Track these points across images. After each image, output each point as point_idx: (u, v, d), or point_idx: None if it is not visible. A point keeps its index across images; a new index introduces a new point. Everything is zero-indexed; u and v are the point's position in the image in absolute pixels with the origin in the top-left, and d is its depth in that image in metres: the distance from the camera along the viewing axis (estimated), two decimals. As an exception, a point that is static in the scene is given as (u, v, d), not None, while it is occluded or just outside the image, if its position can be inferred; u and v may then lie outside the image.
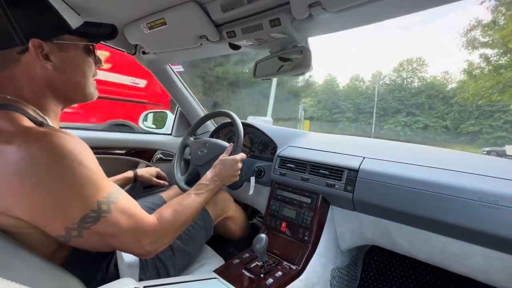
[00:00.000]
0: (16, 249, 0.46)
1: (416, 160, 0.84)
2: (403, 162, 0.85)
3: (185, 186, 1.10)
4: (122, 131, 1.44)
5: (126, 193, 0.59)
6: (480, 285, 0.81)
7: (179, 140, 1.43)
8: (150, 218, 0.60)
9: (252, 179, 1.11)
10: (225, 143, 1.12)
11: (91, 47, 0.65)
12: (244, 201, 1.27)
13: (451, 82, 24.58)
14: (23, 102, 0.55)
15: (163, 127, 1.63)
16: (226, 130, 1.46)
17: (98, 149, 1.27)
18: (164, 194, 1.18)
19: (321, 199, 0.94)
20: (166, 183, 1.29)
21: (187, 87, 1.48)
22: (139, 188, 1.45)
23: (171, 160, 1.53)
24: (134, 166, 1.44)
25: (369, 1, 0.58)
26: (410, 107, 24.05)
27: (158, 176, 1.27)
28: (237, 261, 0.84)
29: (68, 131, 0.53)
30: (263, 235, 0.75)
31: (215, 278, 0.74)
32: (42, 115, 0.58)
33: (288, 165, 1.05)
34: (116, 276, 0.66)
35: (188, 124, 1.61)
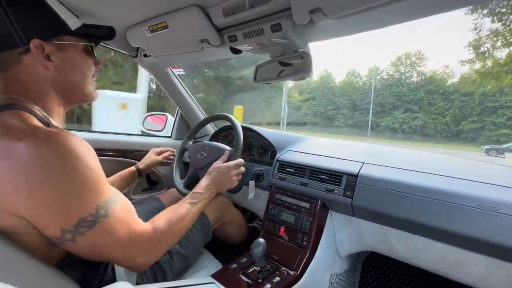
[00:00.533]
0: (13, 251, 0.46)
1: (416, 166, 0.84)
2: (402, 168, 0.85)
3: (184, 190, 1.10)
4: (122, 133, 1.44)
5: (125, 199, 0.59)
6: None
7: (178, 142, 1.43)
8: (145, 227, 0.59)
9: (252, 183, 1.11)
10: (225, 146, 1.12)
11: (90, 48, 0.65)
12: (242, 205, 1.27)
13: (451, 77, 23.43)
14: (29, 102, 0.56)
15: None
16: (226, 134, 1.46)
17: (98, 150, 1.26)
18: (163, 198, 1.17)
19: (320, 204, 0.93)
20: (171, 156, 1.27)
21: (188, 90, 1.49)
22: (139, 191, 1.45)
23: (170, 163, 1.53)
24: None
25: (369, 8, 0.59)
26: (409, 103, 23.03)
27: (160, 154, 1.26)
28: (234, 265, 0.84)
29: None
30: (261, 240, 0.75)
31: (212, 282, 0.74)
32: (46, 115, 0.58)
33: (287, 169, 1.05)
34: (114, 280, 0.65)
35: (188, 127, 1.61)
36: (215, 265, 0.92)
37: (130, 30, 0.90)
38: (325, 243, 0.92)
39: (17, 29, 0.52)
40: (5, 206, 0.46)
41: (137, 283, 0.70)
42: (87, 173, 0.49)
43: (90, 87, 0.67)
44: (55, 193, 0.46)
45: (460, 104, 20.90)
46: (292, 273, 0.83)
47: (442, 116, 21.61)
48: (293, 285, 0.80)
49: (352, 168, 0.90)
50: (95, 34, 0.67)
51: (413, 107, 22.74)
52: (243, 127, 1.18)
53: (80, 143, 0.51)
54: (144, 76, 6.13)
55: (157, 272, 0.74)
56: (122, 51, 1.15)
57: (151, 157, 1.22)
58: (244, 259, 0.87)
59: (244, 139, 1.15)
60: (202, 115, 1.58)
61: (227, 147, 1.12)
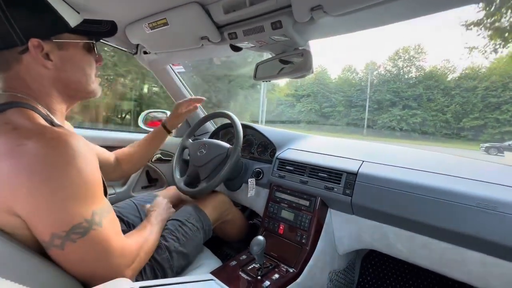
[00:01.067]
0: (14, 248, 0.46)
1: (415, 164, 0.84)
2: (402, 166, 0.85)
3: (184, 187, 1.10)
4: (121, 130, 1.44)
5: (114, 212, 0.59)
6: None
7: (178, 140, 1.43)
8: (127, 242, 0.59)
9: (252, 180, 1.11)
10: (225, 144, 1.12)
11: (91, 44, 0.65)
12: (242, 203, 1.27)
13: (453, 72, 21.77)
14: (32, 100, 0.56)
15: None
16: (226, 131, 1.46)
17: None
18: (161, 194, 1.17)
19: (320, 202, 0.94)
20: (198, 102, 1.14)
21: (188, 88, 1.48)
22: (138, 188, 1.45)
23: (170, 160, 1.53)
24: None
25: (370, 6, 0.59)
26: (407, 99, 21.77)
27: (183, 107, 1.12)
28: (234, 262, 0.84)
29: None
30: (260, 237, 0.75)
31: (212, 279, 0.74)
32: (49, 113, 0.58)
33: (287, 167, 1.05)
34: None
35: (188, 125, 1.61)
36: (214, 262, 0.93)
37: (129, 27, 0.90)
38: (324, 241, 0.93)
39: (15, 28, 0.52)
40: (4, 205, 0.46)
41: (137, 281, 0.70)
42: (88, 178, 0.50)
43: (93, 85, 0.66)
44: (54, 195, 0.46)
45: (461, 100, 19.68)
46: (291, 270, 0.83)
47: (442, 113, 20.44)
48: (292, 282, 0.80)
49: (352, 166, 0.90)
50: (96, 31, 0.66)
51: (412, 104, 21.61)
52: (243, 125, 1.18)
53: (85, 144, 0.52)
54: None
55: (157, 270, 0.74)
56: (121, 48, 1.14)
57: (174, 110, 1.14)
58: (244, 256, 0.87)
59: (244, 136, 1.15)
60: (202, 113, 1.58)
61: (227, 145, 1.12)
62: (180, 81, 1.43)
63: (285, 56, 0.84)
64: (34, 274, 0.47)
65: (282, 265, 0.85)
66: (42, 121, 0.52)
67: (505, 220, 0.62)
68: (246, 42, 0.83)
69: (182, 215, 0.91)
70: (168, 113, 1.64)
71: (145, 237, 0.71)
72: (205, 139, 1.23)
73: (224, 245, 1.36)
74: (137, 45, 1.15)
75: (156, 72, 1.34)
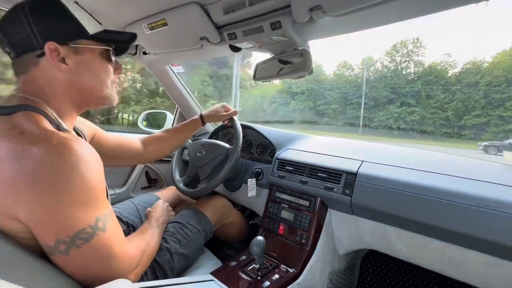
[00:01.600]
0: (15, 250, 0.46)
1: (415, 164, 0.84)
2: (402, 166, 0.85)
3: (184, 188, 1.10)
4: (121, 131, 1.44)
5: (116, 218, 0.59)
6: None
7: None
8: (130, 247, 0.61)
9: (252, 180, 1.11)
10: (224, 144, 1.12)
11: (109, 52, 0.64)
12: (242, 203, 1.27)
13: (453, 67, 20.20)
14: (42, 103, 0.57)
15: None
16: (225, 132, 1.46)
17: None
18: (162, 195, 1.17)
19: (320, 202, 0.94)
20: (234, 114, 1.16)
21: (187, 88, 1.48)
22: (138, 188, 1.45)
23: (170, 160, 1.52)
24: (132, 166, 1.43)
25: (369, 6, 0.59)
26: (405, 96, 20.45)
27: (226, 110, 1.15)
28: (234, 263, 0.84)
29: None
30: (260, 238, 0.75)
31: (212, 280, 0.74)
32: (57, 117, 0.59)
33: (286, 167, 1.05)
34: None
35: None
36: (214, 263, 0.93)
37: (129, 27, 0.90)
38: (324, 241, 0.92)
39: (35, 33, 0.54)
40: (5, 209, 0.46)
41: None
42: (92, 184, 0.50)
43: (108, 91, 0.65)
44: (59, 201, 0.46)
45: (463, 97, 18.44)
46: (291, 270, 0.83)
47: (442, 110, 19.14)
48: (292, 282, 0.80)
49: (351, 166, 0.90)
50: (114, 38, 0.66)
51: (410, 101, 20.30)
52: (242, 125, 1.18)
53: (89, 150, 0.52)
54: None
55: (158, 271, 0.74)
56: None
57: (217, 108, 1.15)
58: (244, 257, 0.87)
59: (243, 137, 1.15)
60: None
61: (227, 145, 1.12)
62: (180, 81, 1.43)
63: (284, 56, 0.84)
64: (36, 277, 0.47)
65: (282, 265, 0.85)
66: (49, 126, 0.53)
67: (505, 220, 0.62)
68: (246, 43, 0.83)
69: (183, 218, 0.92)
70: (168, 113, 1.64)
71: (147, 241, 0.71)
72: (205, 139, 1.23)
73: (224, 246, 1.36)
74: (137, 46, 1.15)
75: (156, 72, 1.34)
